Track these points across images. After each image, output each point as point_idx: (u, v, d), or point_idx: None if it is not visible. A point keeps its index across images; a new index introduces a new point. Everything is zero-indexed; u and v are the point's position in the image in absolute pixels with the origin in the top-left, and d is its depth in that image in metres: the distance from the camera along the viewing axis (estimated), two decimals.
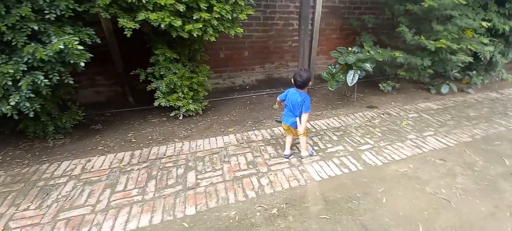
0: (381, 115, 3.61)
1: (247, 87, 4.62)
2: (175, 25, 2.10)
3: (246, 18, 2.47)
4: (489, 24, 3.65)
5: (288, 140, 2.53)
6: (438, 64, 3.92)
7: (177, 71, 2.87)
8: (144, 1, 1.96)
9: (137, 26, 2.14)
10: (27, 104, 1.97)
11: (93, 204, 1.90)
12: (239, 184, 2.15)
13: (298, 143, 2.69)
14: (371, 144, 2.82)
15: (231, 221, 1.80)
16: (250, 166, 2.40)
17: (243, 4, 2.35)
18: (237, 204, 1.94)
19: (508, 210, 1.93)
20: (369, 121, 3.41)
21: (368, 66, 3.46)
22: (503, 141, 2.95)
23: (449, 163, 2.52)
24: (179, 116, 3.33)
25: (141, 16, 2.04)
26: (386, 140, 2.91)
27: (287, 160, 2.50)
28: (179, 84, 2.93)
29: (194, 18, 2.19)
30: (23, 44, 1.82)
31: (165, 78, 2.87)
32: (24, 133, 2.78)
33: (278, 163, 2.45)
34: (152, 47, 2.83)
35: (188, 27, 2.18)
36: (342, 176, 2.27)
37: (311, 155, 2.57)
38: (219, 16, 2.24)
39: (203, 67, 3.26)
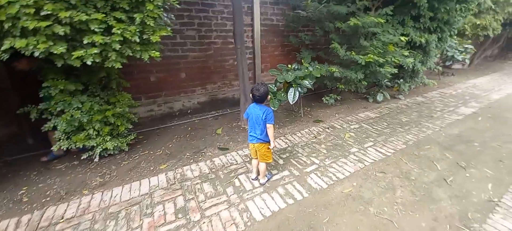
0: (326, 129, 3.58)
1: (189, 111, 4.19)
2: (56, 52, 1.61)
3: (159, 40, 2.10)
4: (407, 38, 4.05)
5: (254, 163, 2.34)
6: (371, 76, 4.16)
7: (80, 105, 2.29)
8: (6, 27, 1.42)
9: (5, 56, 1.57)
10: None
11: None
12: None
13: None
14: (317, 163, 2.68)
15: None
16: (179, 215, 1.96)
17: (153, 24, 1.97)
18: None
19: (446, 222, 1.91)
20: (315, 137, 3.33)
21: (307, 83, 3.43)
22: (431, 144, 3.15)
23: (389, 175, 2.51)
24: (94, 157, 2.70)
25: (6, 44, 1.49)
26: (331, 157, 2.82)
27: (226, 198, 2.14)
28: (86, 120, 2.35)
29: (86, 42, 1.73)
30: None
31: (64, 115, 2.26)
32: None
33: (215, 204, 2.07)
34: (44, 77, 2.22)
35: (77, 53, 1.70)
36: (286, 209, 2.01)
37: (269, 179, 2.39)
38: (122, 39, 1.83)
39: (121, 95, 2.73)
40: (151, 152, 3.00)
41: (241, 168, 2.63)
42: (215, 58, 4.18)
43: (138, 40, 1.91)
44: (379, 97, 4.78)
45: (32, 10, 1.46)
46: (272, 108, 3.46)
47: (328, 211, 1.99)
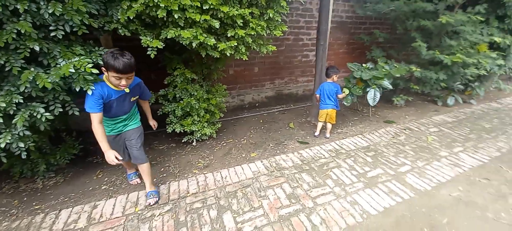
0: (403, 131, 3.50)
1: (257, 104, 4.35)
2: (209, 43, 1.79)
3: (281, 34, 2.23)
4: (498, 39, 3.76)
5: (320, 125, 3.28)
6: (450, 78, 3.95)
7: (195, 93, 2.52)
8: (175, 17, 1.63)
9: (162, 44, 1.79)
10: (21, 144, 1.52)
11: None
12: (288, 225, 1.82)
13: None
14: (409, 164, 2.64)
15: None
16: (292, 200, 2.08)
17: (279, 19, 2.11)
18: None
19: None
20: (394, 138, 3.27)
21: (386, 83, 3.37)
22: None
23: (494, 182, 2.40)
24: (192, 141, 2.95)
25: (171, 33, 1.69)
26: (422, 159, 2.76)
27: (330, 190, 2.22)
28: (196, 107, 2.58)
29: (229, 35, 1.90)
30: (19, 69, 1.40)
31: (181, 101, 2.51)
32: (6, 172, 2.25)
33: (322, 194, 2.17)
34: (167, 66, 2.47)
35: (221, 46, 1.87)
36: (397, 207, 2.03)
37: (327, 138, 3.22)
38: (255, 33, 1.97)
39: (219, 86, 2.94)
40: (236, 140, 3.18)
41: (331, 162, 2.69)
42: (285, 54, 4.27)
43: (265, 34, 2.05)
44: (450, 101, 4.52)
45: (198, 3, 1.64)
46: (345, 103, 3.52)
47: (444, 214, 1.98)
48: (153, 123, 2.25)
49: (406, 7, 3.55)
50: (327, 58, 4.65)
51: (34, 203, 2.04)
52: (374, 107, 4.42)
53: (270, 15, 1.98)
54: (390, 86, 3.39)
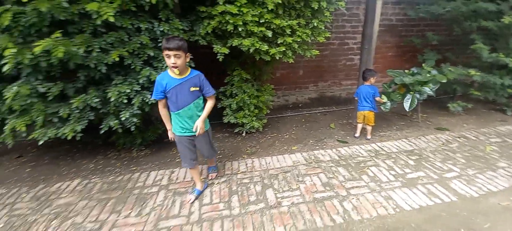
0: (457, 138, 3.31)
1: (300, 105, 4.64)
2: (262, 49, 2.24)
3: (324, 40, 2.53)
4: None
5: (360, 126, 3.39)
6: None
7: (247, 90, 3.01)
8: (240, 29, 2.13)
9: (228, 51, 2.32)
10: (135, 119, 2.22)
11: (186, 215, 2.02)
12: (321, 206, 2.11)
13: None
14: (457, 171, 2.58)
15: None
16: (327, 188, 2.35)
17: (322, 27, 2.42)
18: (326, 229, 1.89)
19: None
20: (445, 145, 3.15)
21: (428, 89, 3.22)
22: None
23: None
24: (243, 133, 3.45)
25: (235, 42, 2.22)
26: (474, 167, 2.64)
27: (365, 184, 2.40)
28: (248, 102, 3.06)
29: (278, 42, 2.31)
30: (140, 68, 2.09)
31: (236, 97, 3.03)
32: (112, 143, 3.13)
33: (356, 186, 2.36)
34: (227, 68, 3.03)
35: (272, 51, 2.30)
36: (434, 207, 2.09)
37: (367, 140, 3.32)
38: (301, 40, 2.33)
39: (267, 86, 3.38)
40: (279, 135, 3.56)
41: (369, 160, 2.82)
42: (330, 58, 4.46)
43: (310, 40, 2.41)
44: None
45: (256, 18, 2.12)
46: (384, 109, 3.42)
47: (486, 219, 1.96)
48: (198, 124, 1.92)
49: (464, 8, 3.35)
50: (374, 62, 4.67)
51: (132, 166, 2.82)
52: (425, 114, 4.21)
53: (315, 24, 2.31)
54: (432, 93, 3.25)
